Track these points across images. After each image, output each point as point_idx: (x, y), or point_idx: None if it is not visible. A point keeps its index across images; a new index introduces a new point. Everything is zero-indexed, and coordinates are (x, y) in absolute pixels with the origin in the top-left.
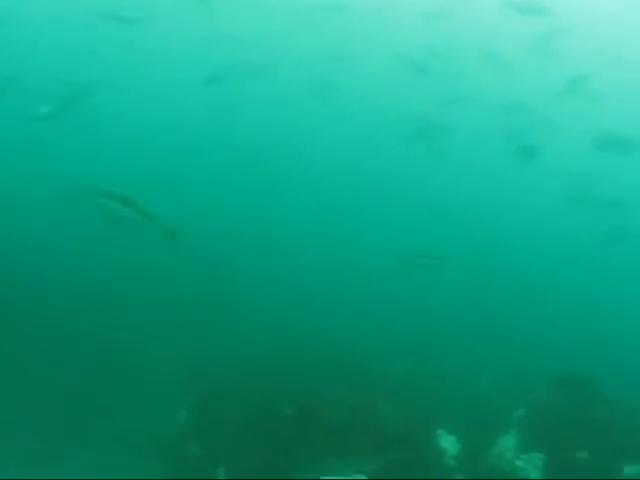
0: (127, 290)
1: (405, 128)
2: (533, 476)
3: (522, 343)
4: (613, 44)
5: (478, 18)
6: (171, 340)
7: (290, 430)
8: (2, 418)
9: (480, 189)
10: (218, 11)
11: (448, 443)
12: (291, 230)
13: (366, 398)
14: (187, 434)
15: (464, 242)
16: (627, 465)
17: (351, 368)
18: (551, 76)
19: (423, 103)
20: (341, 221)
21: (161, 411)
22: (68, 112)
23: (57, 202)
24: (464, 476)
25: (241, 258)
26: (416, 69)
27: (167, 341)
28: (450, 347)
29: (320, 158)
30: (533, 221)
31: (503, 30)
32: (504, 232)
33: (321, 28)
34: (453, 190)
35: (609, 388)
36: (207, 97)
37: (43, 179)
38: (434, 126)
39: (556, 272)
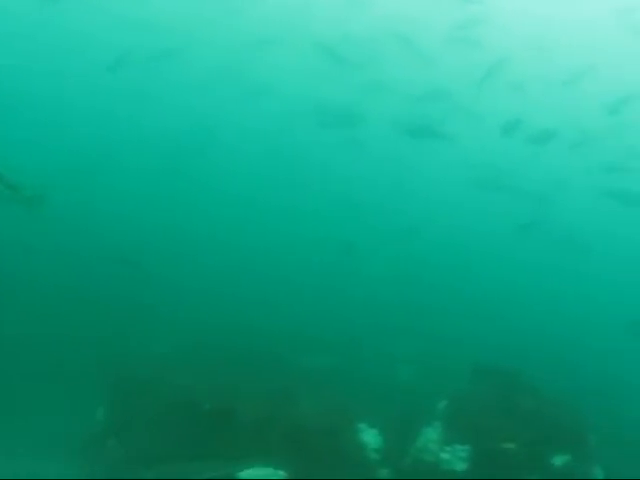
0: (35, 282)
1: (321, 116)
2: (458, 468)
3: (443, 335)
4: (534, 33)
5: (398, 6)
6: (84, 334)
7: (208, 427)
8: None
9: (394, 178)
10: None
11: (370, 437)
12: (204, 219)
13: (285, 392)
14: (105, 433)
15: (379, 232)
16: (556, 455)
17: (270, 362)
18: (470, 64)
19: (340, 91)
20: (255, 210)
21: (77, 410)
22: None
23: None
24: (388, 471)
25: (154, 248)
26: (334, 56)
27: (80, 336)
28: (371, 340)
29: (233, 145)
30: (448, 211)
31: (423, 18)
32: (420, 223)
33: (241, 14)
34: (367, 179)
35: (533, 378)
36: (117, 81)
37: None
38: (350, 114)
39: (474, 263)
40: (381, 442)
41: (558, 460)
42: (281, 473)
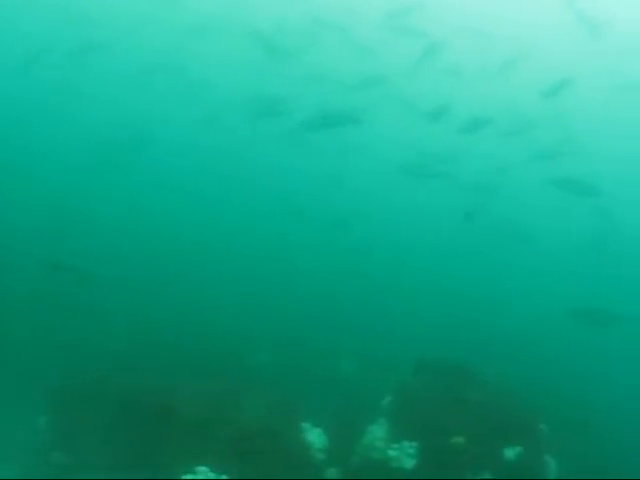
0: None
1: (253, 107)
2: (407, 465)
3: (386, 329)
4: (471, 20)
5: None
6: (24, 341)
7: (151, 429)
8: None
9: (326, 169)
10: None
11: (315, 436)
12: (142, 214)
13: (227, 392)
14: (48, 442)
15: (315, 225)
16: (507, 447)
17: (211, 360)
18: (406, 52)
19: (274, 81)
20: (190, 204)
21: (19, 420)
22: None
23: None
24: (335, 470)
25: (91, 247)
26: (268, 46)
27: (20, 342)
28: (314, 336)
29: (166, 138)
30: (383, 200)
31: (359, 6)
32: (355, 213)
33: (174, 5)
34: (299, 171)
35: (479, 370)
36: (43, 73)
37: None
38: (282, 105)
39: (413, 254)
40: (326, 441)
41: (510, 452)
42: (224, 476)
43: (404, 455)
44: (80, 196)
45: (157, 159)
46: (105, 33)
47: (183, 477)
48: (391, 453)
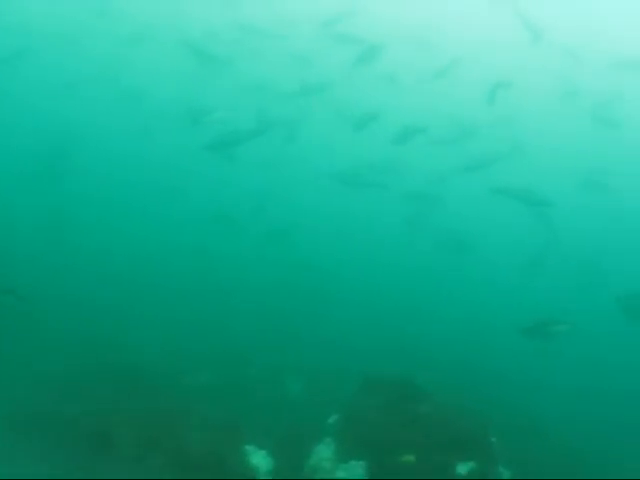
0: None
1: (186, 117)
2: None
3: (329, 344)
4: (410, 25)
5: (268, 2)
6: None
7: (87, 458)
8: None
9: (260, 181)
10: None
11: (260, 459)
12: (71, 226)
13: (165, 416)
14: None
15: (251, 238)
16: (459, 463)
17: (148, 382)
18: (343, 59)
19: (208, 92)
20: (123, 216)
21: None
22: None
23: None
24: None
25: (21, 257)
26: (203, 56)
27: None
28: (256, 353)
29: (93, 148)
30: (320, 211)
31: (295, 12)
32: (291, 225)
33: (107, 14)
34: (232, 183)
35: (427, 384)
36: None
37: None
38: (215, 115)
39: (354, 265)
40: (272, 464)
41: (462, 468)
42: None
43: (353, 475)
44: (3, 209)
45: (86, 169)
46: (37, 42)
47: None
48: (339, 474)
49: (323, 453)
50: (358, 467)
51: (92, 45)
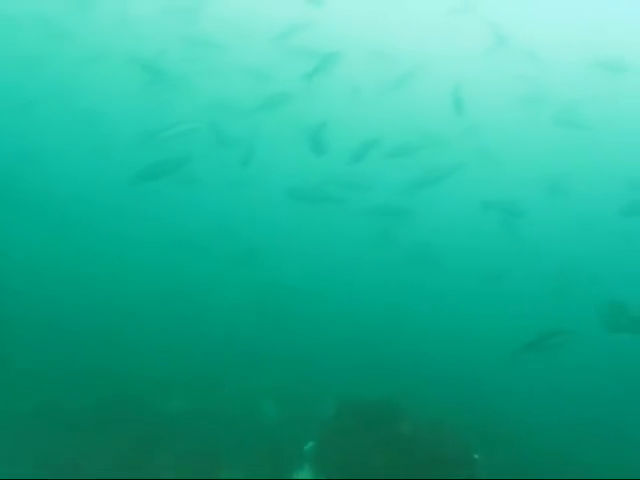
0: None
1: (140, 138)
2: None
3: (305, 366)
4: (368, 32)
5: (222, 17)
6: None
7: None
8: None
9: (219, 201)
10: None
11: None
12: (27, 251)
13: (137, 445)
14: None
15: (217, 260)
16: None
17: (117, 409)
18: (298, 71)
19: (161, 110)
20: (81, 238)
21: None
22: None
23: None
24: None
25: None
26: (155, 74)
27: None
28: (227, 376)
29: (53, 169)
30: (280, 229)
31: (249, 25)
32: (255, 245)
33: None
34: (195, 205)
35: (407, 404)
36: None
37: None
38: (172, 135)
39: (328, 285)
40: None
41: None
42: None
43: None
44: None
45: (40, 190)
46: None
47: None
48: None
49: None
50: None
51: (46, 66)
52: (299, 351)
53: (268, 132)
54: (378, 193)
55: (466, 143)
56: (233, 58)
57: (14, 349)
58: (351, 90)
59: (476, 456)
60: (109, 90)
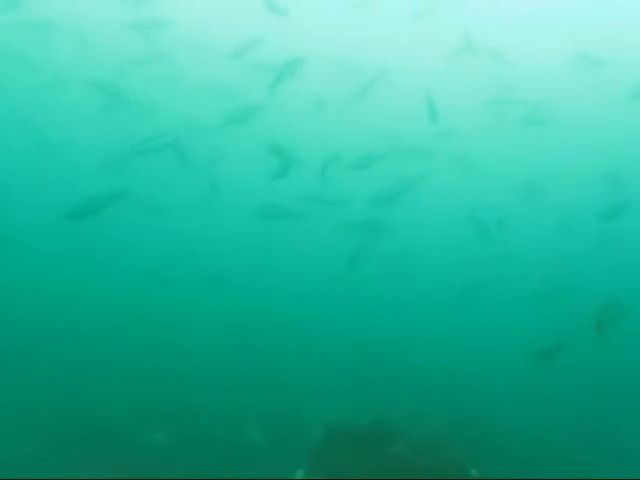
0: None
1: (98, 159)
2: None
3: (288, 389)
4: (329, 43)
5: (181, 35)
6: None
7: None
8: None
9: (184, 225)
10: None
11: None
12: None
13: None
14: None
15: (189, 285)
16: None
17: (100, 445)
18: (258, 86)
19: (122, 132)
20: (39, 266)
21: None
22: None
23: None
24: None
25: None
26: (114, 97)
27: None
28: (209, 404)
29: (6, 195)
30: (256, 252)
31: (208, 44)
32: (224, 269)
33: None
34: (161, 232)
35: (397, 421)
36: None
37: None
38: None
39: (305, 305)
40: None
41: None
42: None
43: None
44: None
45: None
46: None
47: None
48: None
49: None
50: None
51: (3, 91)
52: (280, 374)
53: (231, 151)
54: (349, 207)
55: (438, 150)
56: (193, 77)
57: None
58: (316, 103)
59: (474, 471)
60: (68, 115)
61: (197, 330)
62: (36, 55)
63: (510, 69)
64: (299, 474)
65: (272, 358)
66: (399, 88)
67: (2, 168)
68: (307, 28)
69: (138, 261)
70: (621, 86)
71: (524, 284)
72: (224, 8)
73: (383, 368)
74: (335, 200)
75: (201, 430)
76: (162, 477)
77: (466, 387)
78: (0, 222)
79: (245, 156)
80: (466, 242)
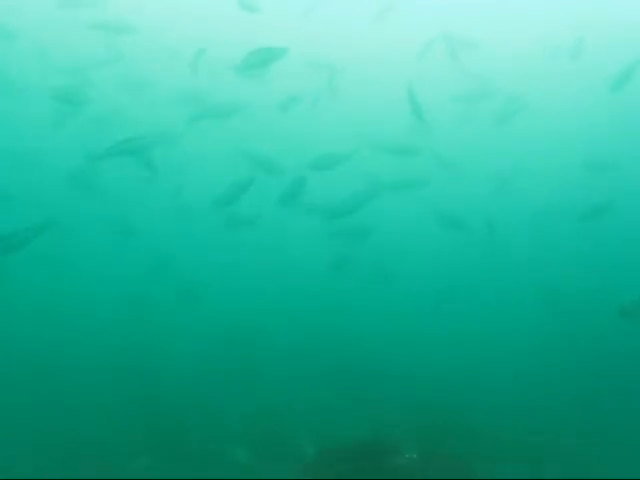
0: None
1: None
2: None
3: (273, 407)
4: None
5: (148, 40)
6: None
7: None
8: None
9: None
10: None
11: None
12: None
13: None
14: None
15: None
16: None
17: (80, 470)
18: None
19: (84, 140)
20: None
21: None
22: None
23: None
24: None
25: None
26: (73, 102)
27: None
28: (194, 427)
29: None
30: (228, 264)
31: (173, 48)
32: (208, 282)
33: None
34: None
35: (390, 434)
36: None
37: None
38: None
39: (286, 317)
40: None
41: None
42: None
43: None
44: None
45: None
46: None
47: None
48: None
49: None
50: None
51: None
52: (264, 391)
53: (200, 158)
54: (326, 211)
55: (415, 147)
56: (160, 82)
57: None
58: (287, 102)
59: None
60: (28, 125)
61: (178, 350)
62: None
63: (484, 60)
64: None
65: (255, 374)
66: (371, 84)
67: None
68: (276, 27)
69: (106, 281)
70: (599, 74)
71: (511, 286)
72: (188, 11)
73: (371, 379)
74: (309, 204)
75: (186, 452)
76: None
77: (461, 397)
78: None
79: (217, 162)
80: (445, 242)
